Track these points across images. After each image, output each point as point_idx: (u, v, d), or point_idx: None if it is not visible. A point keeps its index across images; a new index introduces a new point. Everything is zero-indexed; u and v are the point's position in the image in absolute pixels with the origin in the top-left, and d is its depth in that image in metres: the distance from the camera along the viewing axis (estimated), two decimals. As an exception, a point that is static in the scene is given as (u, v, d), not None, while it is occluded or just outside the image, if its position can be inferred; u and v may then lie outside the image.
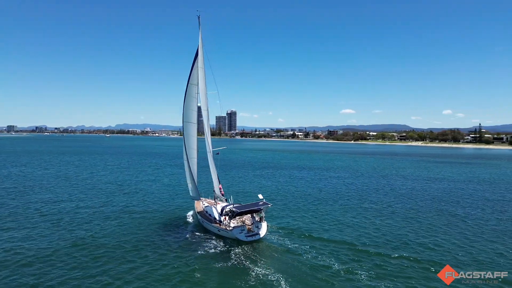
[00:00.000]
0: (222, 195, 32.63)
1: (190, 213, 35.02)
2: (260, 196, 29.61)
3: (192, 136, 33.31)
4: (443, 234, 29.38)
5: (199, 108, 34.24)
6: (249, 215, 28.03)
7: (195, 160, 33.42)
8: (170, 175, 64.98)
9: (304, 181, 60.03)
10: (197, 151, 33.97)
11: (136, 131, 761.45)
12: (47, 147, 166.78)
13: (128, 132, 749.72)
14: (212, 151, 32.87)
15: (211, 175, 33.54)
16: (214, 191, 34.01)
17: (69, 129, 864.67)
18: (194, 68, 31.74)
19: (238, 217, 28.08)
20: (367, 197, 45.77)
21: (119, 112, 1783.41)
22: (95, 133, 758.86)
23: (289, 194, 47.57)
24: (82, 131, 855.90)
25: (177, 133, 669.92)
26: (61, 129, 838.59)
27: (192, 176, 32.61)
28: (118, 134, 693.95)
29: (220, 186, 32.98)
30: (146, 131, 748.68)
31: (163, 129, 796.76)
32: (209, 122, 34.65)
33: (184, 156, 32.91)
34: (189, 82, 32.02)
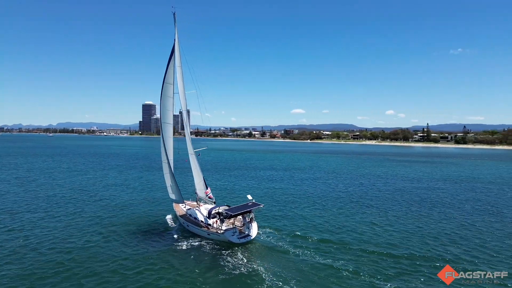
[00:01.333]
0: (210, 198, 31.86)
1: (169, 217, 33.69)
2: (249, 197, 29.42)
3: (169, 138, 32.35)
4: (442, 234, 29.46)
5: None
6: (239, 216, 27.75)
7: (172, 162, 32.56)
8: (138, 178, 61.24)
9: (284, 182, 59.43)
10: (178, 152, 33.78)
11: (81, 130, 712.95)
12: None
13: (72, 131, 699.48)
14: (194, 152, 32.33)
15: (186, 177, 33.88)
16: (196, 193, 33.20)
17: (5, 127, 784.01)
18: (169, 66, 30.63)
19: (227, 219, 27.54)
20: (356, 198, 45.61)
21: (61, 110, 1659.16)
22: (35, 132, 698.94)
23: (271, 194, 47.27)
24: (20, 130, 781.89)
25: (127, 132, 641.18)
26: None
27: (174, 178, 31.72)
28: (62, 133, 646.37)
29: (209, 189, 32.36)
30: (93, 130, 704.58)
31: (112, 128, 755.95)
32: (189, 123, 33.33)
33: (163, 158, 31.91)
34: (165, 81, 30.83)
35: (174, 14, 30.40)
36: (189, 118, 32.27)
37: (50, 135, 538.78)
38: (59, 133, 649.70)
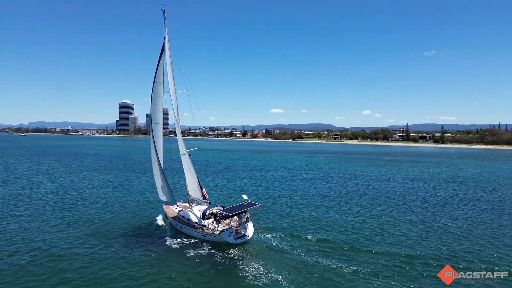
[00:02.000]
0: (205, 198, 31.61)
1: (160, 219, 32.84)
2: (245, 197, 29.19)
3: (160, 138, 32.03)
4: (442, 234, 29.48)
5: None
6: (235, 216, 27.58)
7: (161, 163, 32.01)
8: (123, 180, 59.16)
9: (278, 183, 59.00)
10: (170, 153, 33.60)
11: (55, 129, 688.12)
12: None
13: (46, 130, 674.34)
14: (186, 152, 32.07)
15: (175, 178, 33.38)
16: (188, 194, 32.80)
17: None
18: (160, 65, 30.40)
19: (224, 219, 27.25)
20: (352, 198, 45.48)
21: (32, 108, 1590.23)
22: (6, 131, 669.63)
23: (266, 194, 46.89)
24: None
25: (103, 132, 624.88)
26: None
27: (166, 180, 31.16)
28: (35, 133, 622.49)
29: (204, 190, 32.14)
30: (68, 130, 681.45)
31: (87, 128, 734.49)
32: (179, 122, 32.30)
33: (154, 159, 31.39)
34: (155, 80, 30.54)
35: (163, 12, 30.05)
36: (178, 117, 31.47)
37: (23, 134, 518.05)
38: (32, 133, 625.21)
